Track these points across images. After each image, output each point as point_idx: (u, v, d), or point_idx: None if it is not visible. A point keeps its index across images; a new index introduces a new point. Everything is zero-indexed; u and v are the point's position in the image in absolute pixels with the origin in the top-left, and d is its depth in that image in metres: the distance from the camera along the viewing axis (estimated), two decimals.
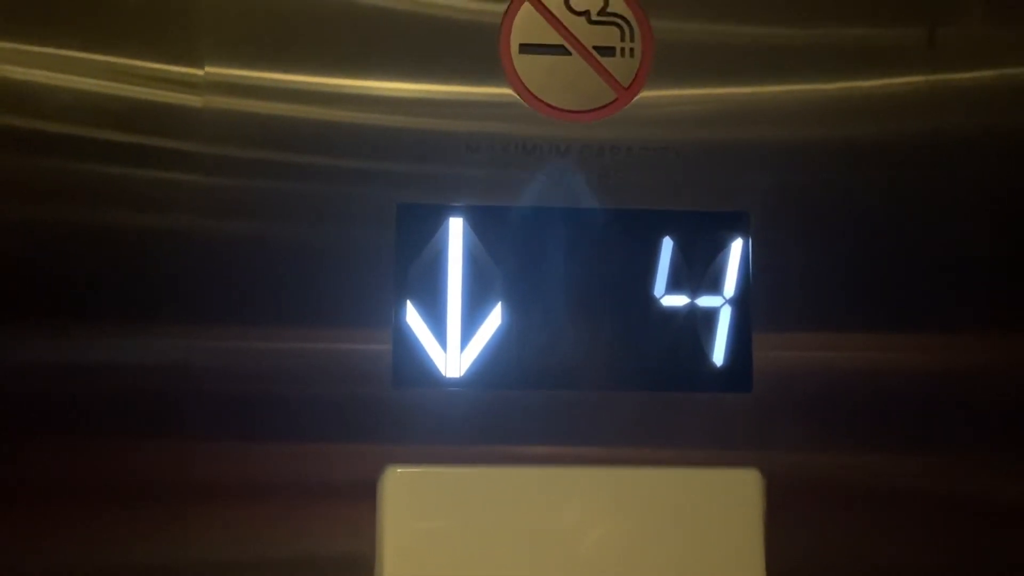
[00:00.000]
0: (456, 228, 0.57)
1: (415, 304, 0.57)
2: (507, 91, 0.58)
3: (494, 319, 0.57)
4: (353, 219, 0.57)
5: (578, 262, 0.57)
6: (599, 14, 0.59)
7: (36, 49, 0.56)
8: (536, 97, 0.58)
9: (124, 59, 0.56)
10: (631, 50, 0.59)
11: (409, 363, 0.56)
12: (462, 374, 0.56)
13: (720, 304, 0.58)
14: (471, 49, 0.58)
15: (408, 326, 0.56)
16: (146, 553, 0.54)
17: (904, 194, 0.60)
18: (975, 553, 0.58)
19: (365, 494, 0.55)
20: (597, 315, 0.57)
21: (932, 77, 0.60)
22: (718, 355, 0.58)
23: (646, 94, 0.59)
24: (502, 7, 0.59)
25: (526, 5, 0.59)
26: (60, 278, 0.55)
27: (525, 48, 0.59)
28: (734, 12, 0.60)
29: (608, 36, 0.59)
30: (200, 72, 0.57)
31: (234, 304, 0.55)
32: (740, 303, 0.58)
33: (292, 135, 0.57)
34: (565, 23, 0.59)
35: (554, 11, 0.59)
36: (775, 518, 0.57)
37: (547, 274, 0.57)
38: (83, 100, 0.56)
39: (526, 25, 0.58)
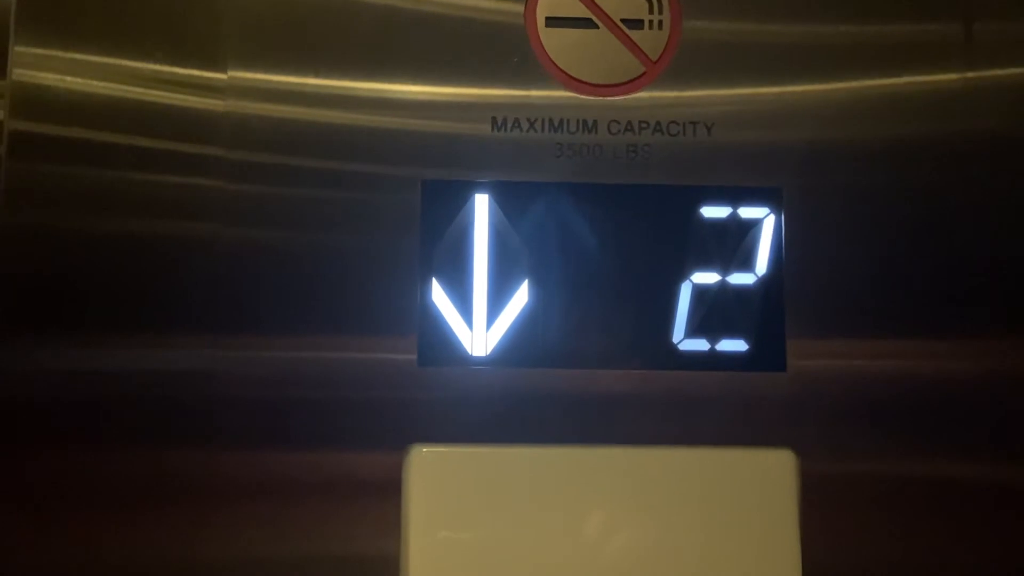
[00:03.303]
0: (482, 205, 0.57)
1: (441, 283, 0.56)
2: (535, 65, 0.58)
3: (520, 297, 0.56)
4: (380, 219, 0.56)
5: (606, 239, 0.57)
6: None
7: (61, 55, 0.56)
8: (563, 71, 0.58)
9: (148, 64, 0.57)
10: (659, 22, 0.58)
11: (435, 342, 0.56)
12: (488, 353, 0.56)
13: (752, 281, 0.57)
14: (497, 27, 0.58)
15: (434, 305, 0.56)
16: (183, 553, 0.54)
17: (938, 188, 0.58)
18: (1009, 547, 0.57)
19: (393, 481, 0.54)
20: (625, 293, 0.57)
21: (969, 74, 0.59)
22: (750, 334, 0.57)
23: (675, 69, 0.58)
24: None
25: None
26: (85, 284, 0.55)
27: (552, 21, 0.58)
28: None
29: (636, 8, 0.58)
30: (223, 76, 0.57)
31: (259, 307, 0.55)
32: (772, 280, 0.57)
33: (314, 139, 0.57)
34: None
35: None
36: (808, 498, 0.55)
37: (574, 252, 0.57)
38: (107, 105, 0.56)
39: None
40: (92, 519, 0.54)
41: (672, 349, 0.57)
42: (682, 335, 0.57)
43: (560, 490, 0.55)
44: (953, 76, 0.59)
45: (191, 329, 0.55)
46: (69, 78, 0.56)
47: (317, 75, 0.57)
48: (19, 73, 0.56)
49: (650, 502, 0.55)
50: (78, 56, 0.56)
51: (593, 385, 0.56)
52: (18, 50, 0.56)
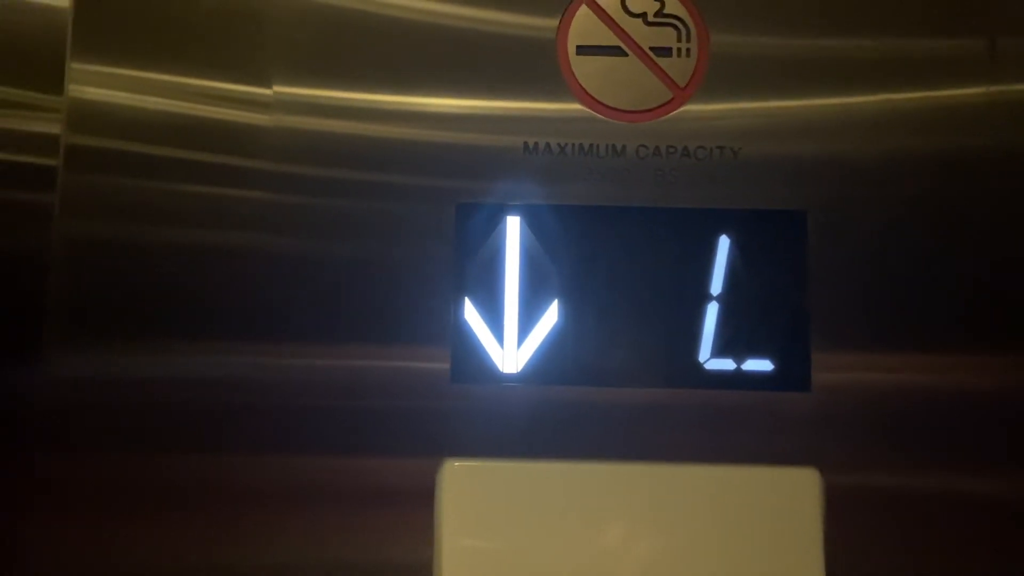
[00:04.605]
0: (514, 227, 0.58)
1: (473, 301, 0.58)
2: (565, 92, 0.59)
3: (551, 316, 0.58)
4: (416, 233, 0.58)
5: (634, 260, 0.58)
6: (655, 15, 0.59)
7: (114, 71, 0.58)
8: (593, 98, 0.59)
9: (195, 80, 0.58)
10: (687, 50, 0.59)
11: (467, 359, 0.57)
12: (519, 370, 0.57)
13: (778, 302, 0.58)
14: (529, 53, 0.59)
15: (467, 323, 0.57)
16: (216, 558, 0.56)
17: (963, 204, 0.59)
18: None
19: (425, 492, 0.56)
20: (653, 313, 0.58)
21: (994, 88, 0.60)
22: (776, 353, 0.58)
23: (702, 94, 0.59)
24: (557, 17, 0.59)
25: (583, 8, 0.60)
26: (136, 293, 0.57)
27: (582, 50, 0.59)
28: (790, 17, 0.60)
29: (664, 37, 0.59)
30: (269, 92, 0.59)
31: (297, 316, 0.57)
32: (798, 300, 0.58)
33: (357, 152, 0.58)
34: (622, 25, 0.59)
35: (611, 13, 0.59)
36: (833, 519, 0.56)
37: (603, 272, 0.58)
38: (157, 120, 0.58)
39: (583, 27, 0.59)
40: (128, 523, 0.55)
41: (698, 368, 0.58)
42: (708, 354, 0.58)
43: (588, 505, 0.56)
44: (978, 91, 0.60)
45: (234, 337, 0.57)
46: (122, 94, 0.58)
47: (359, 90, 0.59)
48: (74, 89, 0.58)
49: (675, 519, 0.56)
50: (130, 72, 0.58)
51: (621, 402, 0.57)
52: (74, 67, 0.58)
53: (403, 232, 0.58)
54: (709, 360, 0.58)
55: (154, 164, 0.58)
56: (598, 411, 0.57)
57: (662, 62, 0.59)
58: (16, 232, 0.57)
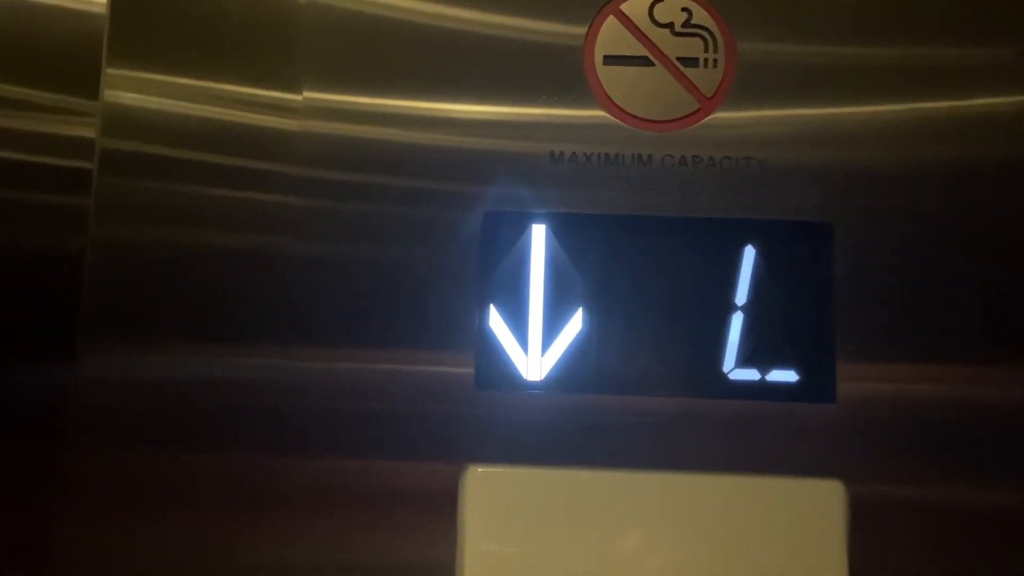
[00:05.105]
0: (539, 235, 0.58)
1: (498, 308, 0.58)
2: (591, 101, 0.60)
3: (575, 324, 0.58)
4: (442, 238, 0.58)
5: (658, 270, 0.58)
6: (683, 26, 0.60)
7: (148, 77, 0.59)
8: (620, 107, 0.59)
9: (227, 85, 0.59)
10: (714, 60, 0.60)
11: (491, 366, 0.57)
12: (543, 377, 0.57)
13: (803, 313, 0.58)
14: (556, 63, 0.60)
15: (491, 330, 0.58)
16: (247, 557, 0.56)
17: (991, 214, 0.58)
18: None
19: (448, 496, 0.56)
20: (677, 322, 0.58)
21: (1023, 98, 0.59)
22: (800, 364, 0.58)
23: (729, 104, 0.59)
24: (584, 27, 0.60)
25: (610, 18, 0.60)
26: (159, 295, 0.58)
27: (609, 60, 0.60)
28: (818, 27, 0.60)
29: (691, 47, 0.60)
30: (299, 98, 0.59)
31: (324, 319, 0.57)
32: (823, 311, 0.58)
33: (385, 158, 0.59)
34: (649, 35, 0.60)
35: (638, 23, 0.60)
36: (857, 531, 0.56)
37: (628, 281, 0.58)
38: (190, 124, 0.59)
39: (610, 37, 0.60)
40: (158, 522, 0.56)
41: (722, 378, 0.58)
42: (732, 364, 0.58)
43: (610, 513, 0.56)
44: (1007, 100, 0.59)
45: (262, 340, 0.57)
46: (155, 99, 0.59)
47: (388, 96, 0.59)
48: (110, 94, 0.59)
49: (697, 528, 0.56)
50: (164, 78, 0.59)
51: (644, 411, 0.57)
52: (109, 72, 0.59)
53: (429, 238, 0.58)
54: (733, 370, 0.58)
55: (186, 168, 0.59)
56: (621, 419, 0.57)
57: (689, 72, 0.60)
58: (51, 234, 0.58)
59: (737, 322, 0.58)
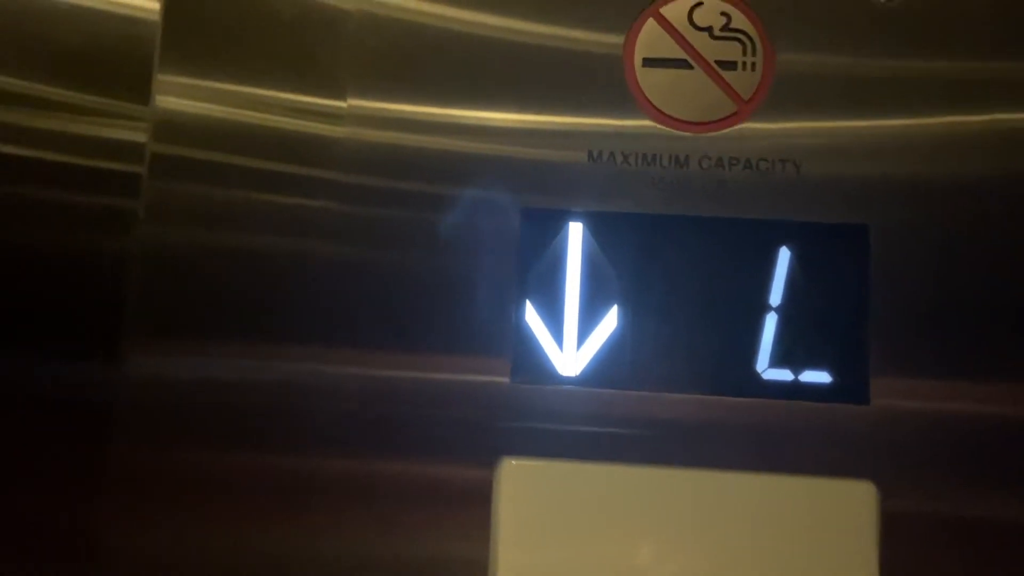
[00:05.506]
0: (576, 232, 0.59)
1: (534, 304, 0.59)
2: (630, 103, 0.60)
3: (610, 321, 0.59)
4: (481, 243, 0.59)
5: (694, 269, 0.59)
6: (722, 29, 0.61)
7: (198, 83, 0.61)
8: (658, 109, 0.60)
9: (273, 92, 0.61)
10: (752, 64, 0.60)
11: (527, 361, 0.58)
12: (578, 373, 0.58)
13: (837, 315, 0.58)
14: (596, 65, 0.61)
15: (527, 325, 0.59)
16: (289, 550, 0.57)
17: None
18: None
19: (482, 489, 0.57)
20: (711, 321, 0.58)
21: None
22: (834, 365, 0.58)
23: (766, 108, 0.60)
24: (624, 31, 0.61)
25: (650, 21, 0.61)
26: (204, 297, 0.59)
27: (648, 62, 0.61)
28: (856, 35, 0.60)
29: (730, 51, 0.60)
30: (343, 105, 0.60)
31: (363, 322, 0.58)
32: (858, 314, 0.58)
33: (427, 164, 0.60)
34: (688, 38, 0.61)
35: (677, 26, 0.61)
36: (887, 534, 0.56)
37: (663, 279, 0.59)
38: (237, 130, 0.60)
39: (650, 40, 0.61)
40: (202, 518, 0.57)
41: (755, 377, 0.58)
42: (766, 364, 0.58)
43: (642, 509, 0.56)
44: None
45: (305, 341, 0.58)
46: (204, 104, 0.61)
47: (431, 104, 0.60)
48: (161, 100, 0.61)
49: (728, 526, 0.56)
50: (213, 85, 0.61)
51: (677, 408, 0.58)
52: (160, 78, 0.61)
53: (469, 243, 0.59)
54: (767, 370, 0.58)
55: (232, 173, 0.60)
56: (654, 416, 0.58)
57: (727, 75, 0.60)
58: (100, 236, 0.59)
59: (771, 322, 0.58)
